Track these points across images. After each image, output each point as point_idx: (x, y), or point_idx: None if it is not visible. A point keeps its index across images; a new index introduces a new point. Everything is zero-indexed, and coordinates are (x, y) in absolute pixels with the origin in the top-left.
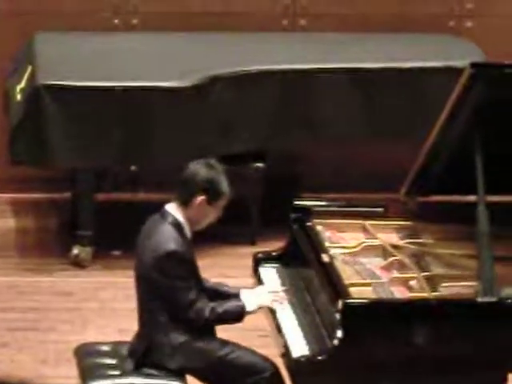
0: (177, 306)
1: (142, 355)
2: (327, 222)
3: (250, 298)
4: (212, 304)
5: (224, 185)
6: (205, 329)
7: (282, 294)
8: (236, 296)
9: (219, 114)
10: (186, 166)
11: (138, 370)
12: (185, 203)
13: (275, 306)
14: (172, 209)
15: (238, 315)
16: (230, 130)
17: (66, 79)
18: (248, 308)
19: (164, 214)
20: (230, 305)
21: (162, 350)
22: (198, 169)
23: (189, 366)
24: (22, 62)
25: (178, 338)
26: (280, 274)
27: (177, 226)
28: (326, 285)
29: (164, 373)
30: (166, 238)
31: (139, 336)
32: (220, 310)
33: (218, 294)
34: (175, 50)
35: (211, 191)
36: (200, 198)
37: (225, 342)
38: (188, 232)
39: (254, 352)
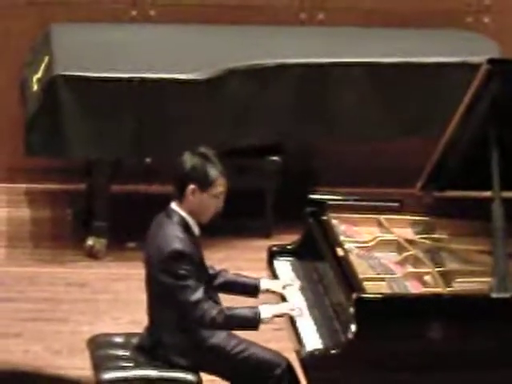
0: (183, 305)
1: (149, 351)
2: (342, 216)
3: (267, 306)
4: (222, 306)
5: (211, 170)
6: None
7: (302, 305)
8: (255, 287)
9: (235, 107)
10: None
11: (150, 362)
12: (179, 197)
13: (294, 314)
14: (176, 206)
15: (251, 321)
16: (246, 123)
17: (82, 70)
18: (263, 315)
19: (169, 213)
20: (243, 309)
21: (170, 349)
22: (183, 159)
23: (199, 365)
24: (38, 52)
25: (186, 339)
26: (294, 268)
27: (183, 224)
28: (341, 279)
29: (176, 367)
30: (171, 238)
31: (148, 332)
32: (229, 312)
33: (236, 286)
34: (192, 43)
35: (199, 178)
36: (190, 188)
37: (236, 340)
38: (195, 229)
39: (266, 348)
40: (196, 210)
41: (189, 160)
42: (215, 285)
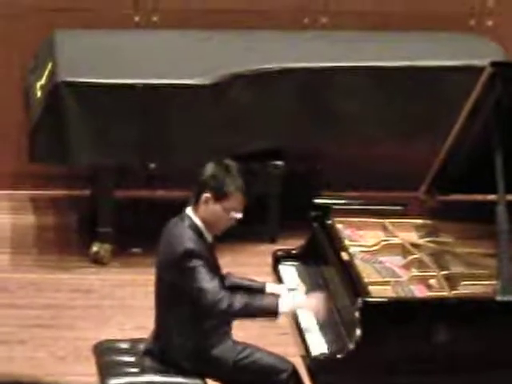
0: (199, 296)
1: (158, 356)
2: (347, 220)
3: (287, 298)
4: (240, 295)
5: (230, 183)
6: (222, 334)
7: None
8: (261, 291)
9: (239, 112)
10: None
11: (156, 368)
12: (195, 202)
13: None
14: (190, 212)
15: (271, 308)
16: (250, 128)
17: (86, 76)
18: (283, 306)
19: (183, 217)
20: (262, 297)
21: (178, 354)
22: (207, 167)
23: (205, 371)
24: (42, 58)
25: (194, 344)
26: (299, 272)
27: (195, 229)
28: (346, 283)
29: (182, 372)
30: (183, 239)
31: (155, 336)
32: (249, 299)
33: (242, 290)
34: (195, 48)
35: (216, 188)
36: (205, 196)
37: (241, 346)
38: (208, 236)
39: (271, 353)
40: (207, 219)
41: (211, 168)
42: None
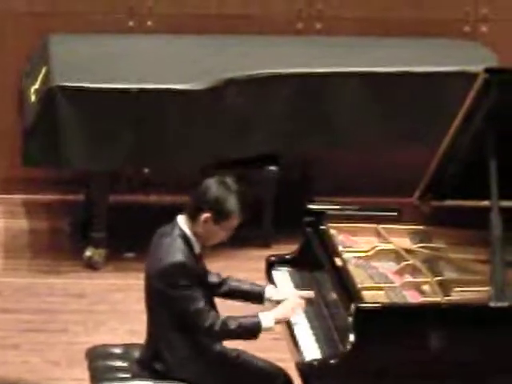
0: (185, 317)
1: (149, 364)
2: (341, 225)
3: (268, 314)
4: (224, 317)
5: (232, 205)
6: (213, 341)
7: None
8: (260, 295)
9: (233, 117)
10: (202, 180)
11: (146, 375)
12: (192, 218)
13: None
14: (182, 221)
15: (253, 332)
16: (244, 133)
17: (80, 81)
18: (265, 324)
19: (174, 226)
20: (245, 320)
21: (168, 362)
22: (210, 185)
23: (197, 377)
24: (36, 62)
25: (184, 352)
26: (293, 278)
27: (184, 238)
28: (339, 289)
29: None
30: (172, 250)
31: (147, 345)
32: (233, 325)
33: (241, 294)
34: (190, 53)
35: (217, 210)
36: (205, 216)
37: (236, 352)
38: (196, 247)
39: (264, 360)
40: (202, 235)
41: (215, 189)
42: (220, 292)
